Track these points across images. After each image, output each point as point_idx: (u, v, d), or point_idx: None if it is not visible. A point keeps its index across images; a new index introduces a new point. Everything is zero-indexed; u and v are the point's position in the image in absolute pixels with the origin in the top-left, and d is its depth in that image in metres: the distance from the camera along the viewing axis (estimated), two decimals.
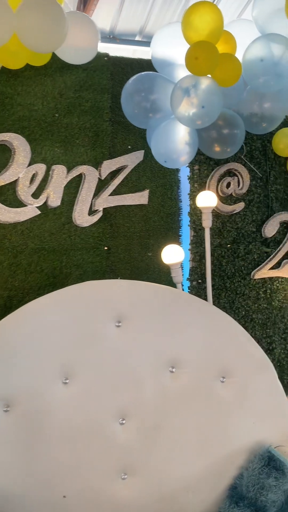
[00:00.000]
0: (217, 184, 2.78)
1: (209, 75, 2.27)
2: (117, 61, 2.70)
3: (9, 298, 2.45)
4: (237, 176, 2.81)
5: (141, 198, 2.69)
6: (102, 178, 2.60)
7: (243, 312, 2.80)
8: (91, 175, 2.58)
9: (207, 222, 2.56)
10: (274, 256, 2.85)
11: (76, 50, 2.37)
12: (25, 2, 2.07)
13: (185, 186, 2.82)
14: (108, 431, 2.13)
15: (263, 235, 2.85)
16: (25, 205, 2.48)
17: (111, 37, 5.29)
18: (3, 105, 2.48)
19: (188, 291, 2.75)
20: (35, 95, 2.53)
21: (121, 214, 2.67)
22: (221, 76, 2.27)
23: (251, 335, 2.41)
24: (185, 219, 2.80)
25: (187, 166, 2.78)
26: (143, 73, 2.44)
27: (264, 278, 2.85)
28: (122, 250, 2.67)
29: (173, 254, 2.44)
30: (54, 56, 2.42)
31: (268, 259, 2.84)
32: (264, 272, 2.83)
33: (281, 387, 2.35)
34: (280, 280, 2.88)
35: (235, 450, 2.22)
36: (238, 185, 2.81)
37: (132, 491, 2.11)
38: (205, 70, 2.20)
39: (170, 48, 2.42)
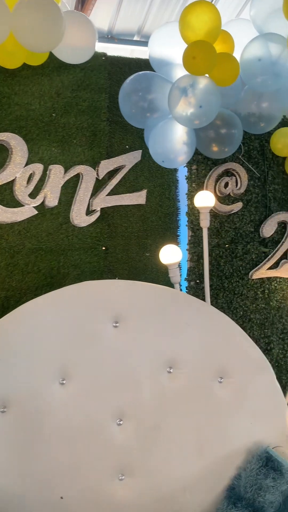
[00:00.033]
0: (215, 184, 2.77)
1: (207, 75, 2.27)
2: (115, 60, 2.69)
3: (6, 298, 2.44)
4: (235, 176, 2.81)
5: (139, 198, 2.68)
6: (100, 178, 2.60)
7: (241, 312, 2.80)
8: (88, 175, 2.57)
9: (205, 222, 2.56)
10: (272, 256, 2.84)
11: (73, 50, 2.37)
12: (22, 1, 2.06)
13: (183, 186, 2.81)
14: (106, 432, 2.12)
15: (261, 235, 2.84)
16: (22, 205, 2.47)
17: (109, 37, 5.28)
18: (0, 104, 2.47)
19: (186, 291, 2.74)
20: (32, 94, 2.52)
21: (119, 214, 2.66)
22: (219, 75, 2.26)
23: (249, 335, 2.41)
24: (183, 219, 2.80)
25: (185, 166, 2.77)
26: (140, 72, 2.43)
27: (262, 278, 2.85)
28: (120, 250, 2.66)
29: (171, 254, 2.43)
30: (51, 55, 2.42)
31: (266, 259, 2.84)
32: (262, 272, 2.83)
33: (279, 387, 2.35)
34: (278, 280, 2.87)
35: (233, 450, 2.22)
36: (236, 185, 2.81)
37: (130, 492, 2.11)
38: (203, 70, 2.19)
39: (167, 47, 2.41)
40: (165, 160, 2.52)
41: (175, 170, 2.78)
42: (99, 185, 2.60)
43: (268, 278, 2.86)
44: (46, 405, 2.08)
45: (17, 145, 2.46)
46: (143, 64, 2.65)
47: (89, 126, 2.61)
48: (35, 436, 2.05)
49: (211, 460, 2.19)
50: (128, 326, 2.20)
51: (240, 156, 2.81)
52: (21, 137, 2.47)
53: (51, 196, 2.51)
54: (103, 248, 2.61)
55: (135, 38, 5.36)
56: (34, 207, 2.49)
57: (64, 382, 2.09)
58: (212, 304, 2.62)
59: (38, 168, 2.49)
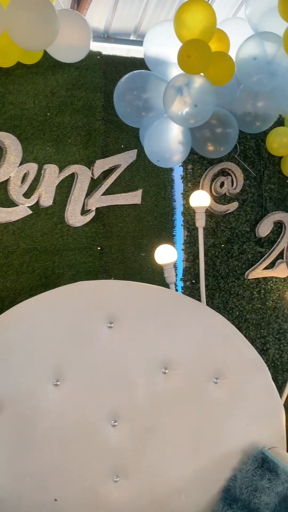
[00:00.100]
0: (211, 184, 2.76)
1: (202, 74, 2.25)
2: (110, 59, 2.68)
3: (1, 299, 2.42)
4: (230, 176, 2.80)
5: (134, 197, 2.67)
6: (95, 178, 2.58)
7: (237, 313, 2.79)
8: (83, 175, 2.55)
9: (200, 222, 2.54)
10: (268, 256, 2.83)
11: (68, 48, 2.36)
12: None
13: (178, 185, 2.80)
14: (100, 433, 2.11)
15: (257, 235, 2.83)
16: (17, 205, 2.45)
17: (106, 37, 5.27)
18: None
19: (182, 292, 2.73)
20: (27, 93, 2.50)
21: (114, 214, 2.65)
22: (214, 74, 2.25)
23: (245, 335, 2.40)
24: (179, 219, 2.78)
25: (181, 166, 2.76)
26: (135, 71, 2.42)
27: (258, 278, 2.84)
28: (115, 250, 2.65)
29: (166, 254, 2.42)
30: (46, 54, 2.40)
31: (262, 259, 2.83)
32: (258, 272, 2.82)
33: (275, 388, 2.34)
34: (274, 280, 2.86)
35: (228, 451, 2.21)
36: (232, 185, 2.80)
37: (125, 494, 2.10)
38: (198, 69, 2.18)
39: (162, 46, 2.40)
40: (160, 160, 2.50)
41: (171, 169, 2.77)
42: (94, 184, 2.58)
43: (264, 278, 2.85)
44: (40, 406, 2.06)
45: (11, 145, 2.44)
46: (138, 63, 2.64)
47: (84, 125, 2.59)
48: (28, 437, 2.04)
49: (207, 461, 2.18)
50: (123, 327, 2.19)
51: (235, 156, 2.80)
52: (15, 136, 2.45)
53: (45, 195, 2.50)
54: (98, 248, 2.60)
55: (132, 37, 5.35)
56: (28, 207, 2.48)
57: (58, 383, 2.08)
58: (208, 304, 2.61)
59: (32, 167, 2.48)
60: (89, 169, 2.57)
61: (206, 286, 2.70)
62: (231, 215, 2.81)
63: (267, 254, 2.84)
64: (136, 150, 2.66)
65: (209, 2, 4.53)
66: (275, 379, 2.63)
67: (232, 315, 2.77)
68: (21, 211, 2.46)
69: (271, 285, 2.85)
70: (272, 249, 2.85)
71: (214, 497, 2.15)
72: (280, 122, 2.82)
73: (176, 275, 2.59)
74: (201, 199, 2.53)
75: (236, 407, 2.26)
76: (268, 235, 2.85)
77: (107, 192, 2.60)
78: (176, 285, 2.59)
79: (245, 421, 2.25)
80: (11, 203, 2.45)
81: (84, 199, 2.55)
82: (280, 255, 2.86)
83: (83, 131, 2.59)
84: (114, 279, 2.58)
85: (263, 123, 2.58)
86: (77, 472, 2.07)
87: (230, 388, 2.26)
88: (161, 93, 2.30)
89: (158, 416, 2.16)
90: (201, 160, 2.74)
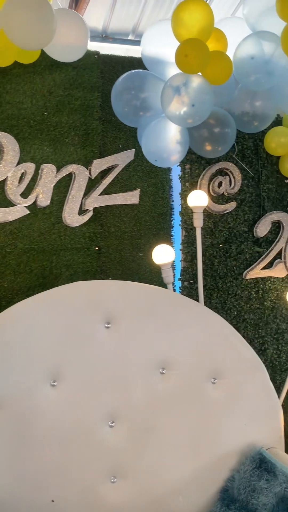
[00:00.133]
0: (209, 184, 2.76)
1: (200, 73, 2.25)
2: (108, 59, 2.67)
3: None
4: (228, 175, 2.79)
5: (132, 197, 2.66)
6: (93, 177, 2.57)
7: (235, 313, 2.78)
8: (81, 174, 2.55)
9: (198, 222, 2.54)
10: (266, 256, 2.83)
11: (65, 48, 2.34)
12: None
13: (176, 185, 2.79)
14: (98, 434, 2.10)
15: (255, 235, 2.83)
16: (14, 205, 2.45)
17: (104, 36, 5.26)
18: None
19: (180, 292, 2.72)
20: (24, 93, 2.50)
21: (112, 214, 2.64)
22: (212, 74, 2.24)
23: (243, 335, 2.40)
24: (177, 219, 2.78)
25: (179, 165, 2.75)
26: (133, 71, 2.41)
27: (256, 278, 2.84)
28: (113, 250, 2.64)
29: (164, 254, 2.41)
30: (43, 53, 2.39)
31: (260, 259, 2.82)
32: (256, 272, 2.81)
33: (273, 388, 2.34)
34: (272, 280, 2.86)
35: (226, 452, 2.20)
36: (230, 185, 2.79)
37: (122, 494, 2.09)
38: (195, 68, 2.17)
39: (160, 45, 2.39)
40: (158, 159, 2.50)
41: (169, 169, 2.76)
42: (91, 184, 2.57)
43: (262, 278, 2.85)
44: (37, 406, 2.05)
45: (9, 144, 2.44)
46: (136, 63, 2.63)
47: (81, 125, 2.58)
48: (26, 438, 2.03)
49: (205, 461, 2.18)
50: (120, 327, 2.18)
51: (233, 156, 2.80)
52: (12, 136, 2.45)
53: (43, 195, 2.49)
54: (96, 248, 2.59)
55: (130, 37, 5.33)
56: (26, 206, 2.47)
57: (55, 383, 2.07)
58: (206, 305, 2.61)
59: (30, 167, 2.47)
60: (87, 169, 2.56)
61: (204, 286, 2.69)
62: (229, 215, 2.80)
63: (265, 254, 2.83)
64: (134, 149, 2.65)
65: (208, 1, 4.52)
66: (273, 379, 2.63)
67: (230, 315, 2.77)
68: (19, 211, 2.45)
69: (269, 285, 2.85)
70: (270, 249, 2.84)
71: (212, 497, 2.15)
72: (278, 122, 2.81)
73: (174, 275, 2.59)
74: (199, 199, 2.53)
75: (234, 408, 2.25)
76: (266, 235, 2.84)
77: (105, 192, 2.60)
78: (174, 285, 2.59)
79: (243, 422, 2.24)
80: (9, 203, 2.44)
81: (82, 199, 2.55)
82: (278, 255, 2.86)
83: (81, 131, 2.58)
84: (112, 279, 2.57)
85: (261, 123, 2.57)
86: (74, 473, 2.07)
87: (228, 388, 2.26)
88: (159, 93, 2.29)
89: (156, 417, 2.16)
90: (199, 160, 2.74)
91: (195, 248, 2.63)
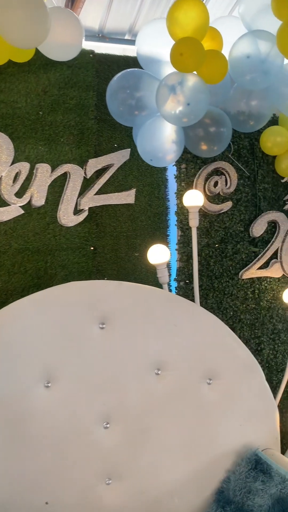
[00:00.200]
0: (205, 183, 2.74)
1: (195, 72, 2.23)
2: (103, 58, 2.66)
3: None
4: (224, 175, 2.78)
5: (127, 197, 2.65)
6: (88, 177, 2.56)
7: (231, 313, 2.77)
8: (76, 174, 2.53)
9: (193, 222, 2.53)
10: (262, 256, 2.82)
11: (60, 46, 2.33)
12: None
13: (172, 185, 2.78)
14: (93, 435, 2.09)
15: (251, 235, 2.82)
16: (8, 205, 2.43)
17: (100, 36, 5.24)
18: None
19: (176, 292, 2.71)
20: (19, 92, 2.48)
21: (107, 214, 2.63)
22: (207, 73, 2.23)
23: (239, 336, 2.39)
24: (173, 219, 2.77)
25: (174, 165, 2.74)
26: (128, 70, 2.40)
27: (252, 278, 2.82)
28: (108, 250, 2.63)
29: (159, 254, 2.40)
30: (37, 52, 2.38)
31: (256, 258, 2.81)
32: (252, 272, 2.80)
33: (269, 388, 2.33)
34: (268, 280, 2.85)
35: (222, 453, 2.19)
36: (226, 184, 2.78)
37: (117, 496, 2.08)
38: (191, 67, 2.16)
39: (155, 44, 2.37)
40: (153, 159, 2.48)
41: (164, 169, 2.75)
42: (87, 184, 2.56)
43: (258, 278, 2.84)
44: (31, 408, 2.04)
45: (3, 144, 2.42)
46: (132, 62, 2.62)
47: (76, 124, 2.57)
48: (19, 440, 2.01)
49: (200, 463, 2.16)
50: (115, 327, 2.17)
51: (229, 155, 2.79)
52: (7, 135, 2.43)
53: (37, 195, 2.47)
54: (91, 248, 2.58)
55: (127, 37, 5.32)
56: (20, 206, 2.45)
57: (49, 385, 2.05)
58: (201, 305, 2.60)
59: (24, 166, 2.45)
60: (82, 169, 2.55)
61: (200, 286, 2.68)
62: (225, 214, 2.79)
63: (261, 254, 2.82)
64: (129, 149, 2.64)
65: (204, 0, 4.51)
66: (269, 380, 2.62)
67: (226, 315, 2.76)
68: (13, 210, 2.44)
69: (265, 285, 2.84)
70: (266, 249, 2.83)
71: (208, 499, 2.14)
72: (274, 121, 2.81)
73: (170, 275, 2.57)
74: (194, 198, 2.52)
75: (230, 408, 2.24)
76: (262, 234, 2.83)
77: (100, 192, 2.58)
78: (169, 285, 2.57)
79: (239, 422, 2.23)
80: (3, 203, 2.42)
81: (77, 198, 2.53)
82: (274, 255, 2.85)
83: (76, 130, 2.57)
84: (107, 279, 2.55)
85: (257, 122, 2.56)
86: (69, 474, 2.05)
87: (224, 389, 2.24)
88: (154, 92, 2.28)
89: (151, 418, 2.14)
90: (195, 159, 2.73)
91: (191, 248, 2.61)
